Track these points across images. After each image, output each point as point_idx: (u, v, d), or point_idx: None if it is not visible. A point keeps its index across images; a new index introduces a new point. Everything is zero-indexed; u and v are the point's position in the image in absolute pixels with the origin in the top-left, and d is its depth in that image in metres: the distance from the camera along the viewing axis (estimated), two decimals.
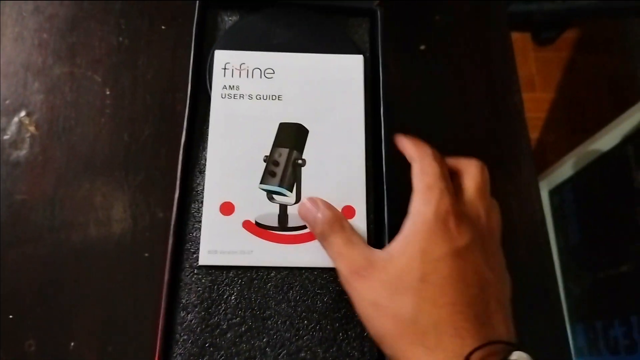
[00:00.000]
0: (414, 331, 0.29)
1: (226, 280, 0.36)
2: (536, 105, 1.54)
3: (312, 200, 0.36)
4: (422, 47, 0.53)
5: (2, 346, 0.40)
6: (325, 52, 0.42)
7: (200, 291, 0.36)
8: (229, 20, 0.44)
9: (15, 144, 0.46)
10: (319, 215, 0.35)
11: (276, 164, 0.38)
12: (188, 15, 0.48)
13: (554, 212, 1.32)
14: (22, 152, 0.46)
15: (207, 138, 0.40)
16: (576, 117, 1.54)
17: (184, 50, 0.49)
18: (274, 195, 0.38)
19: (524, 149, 0.51)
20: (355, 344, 0.36)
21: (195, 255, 0.37)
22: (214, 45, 0.42)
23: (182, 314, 0.35)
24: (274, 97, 0.40)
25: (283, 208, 0.37)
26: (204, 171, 0.39)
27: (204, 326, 0.35)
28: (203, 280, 0.36)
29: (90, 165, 0.46)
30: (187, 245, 0.37)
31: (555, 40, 1.62)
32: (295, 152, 0.38)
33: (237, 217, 0.37)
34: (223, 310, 0.35)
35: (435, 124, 0.50)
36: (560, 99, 1.56)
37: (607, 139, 1.12)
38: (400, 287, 0.30)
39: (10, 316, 0.41)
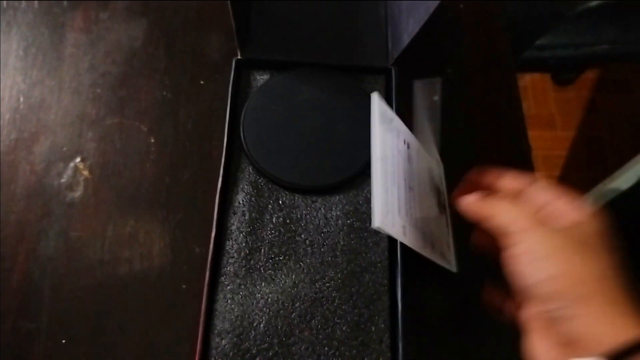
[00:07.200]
0: None
1: (255, 310, 0.41)
2: (557, 143, 1.56)
3: None
4: (436, 98, 0.58)
5: None
6: (346, 107, 0.47)
7: (233, 319, 0.40)
8: (260, 78, 0.50)
9: (70, 186, 0.52)
10: None
11: None
12: (223, 72, 0.55)
13: None
14: (77, 194, 0.51)
15: (239, 183, 0.45)
16: (596, 155, 1.56)
17: (219, 103, 0.55)
18: None
19: None
20: None
21: (229, 287, 0.41)
22: (247, 101, 0.48)
23: (217, 339, 0.40)
24: None
25: None
26: (237, 212, 0.44)
27: (236, 350, 0.39)
28: (235, 310, 0.41)
29: (136, 205, 0.51)
30: (222, 278, 0.42)
31: (575, 80, 1.65)
32: None
33: None
34: (253, 337, 0.40)
35: (448, 166, 0.55)
36: (580, 138, 1.58)
37: (625, 177, 1.13)
38: None
39: (64, 341, 0.46)
